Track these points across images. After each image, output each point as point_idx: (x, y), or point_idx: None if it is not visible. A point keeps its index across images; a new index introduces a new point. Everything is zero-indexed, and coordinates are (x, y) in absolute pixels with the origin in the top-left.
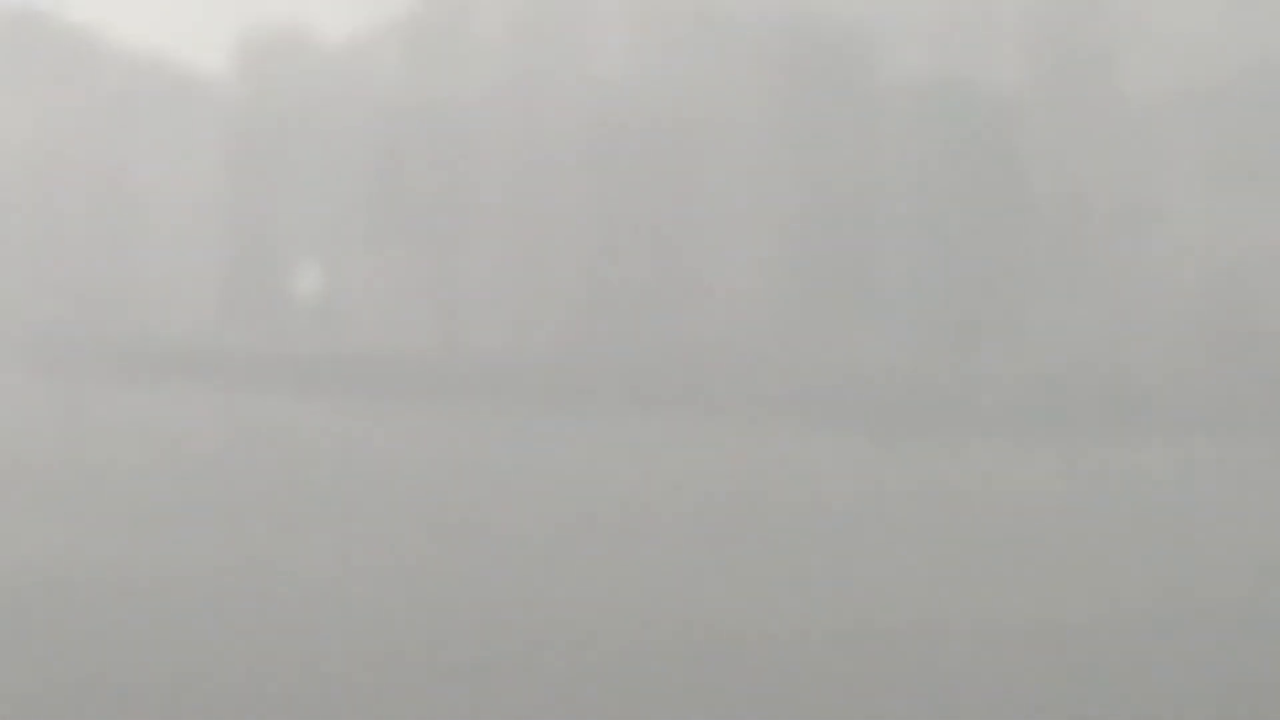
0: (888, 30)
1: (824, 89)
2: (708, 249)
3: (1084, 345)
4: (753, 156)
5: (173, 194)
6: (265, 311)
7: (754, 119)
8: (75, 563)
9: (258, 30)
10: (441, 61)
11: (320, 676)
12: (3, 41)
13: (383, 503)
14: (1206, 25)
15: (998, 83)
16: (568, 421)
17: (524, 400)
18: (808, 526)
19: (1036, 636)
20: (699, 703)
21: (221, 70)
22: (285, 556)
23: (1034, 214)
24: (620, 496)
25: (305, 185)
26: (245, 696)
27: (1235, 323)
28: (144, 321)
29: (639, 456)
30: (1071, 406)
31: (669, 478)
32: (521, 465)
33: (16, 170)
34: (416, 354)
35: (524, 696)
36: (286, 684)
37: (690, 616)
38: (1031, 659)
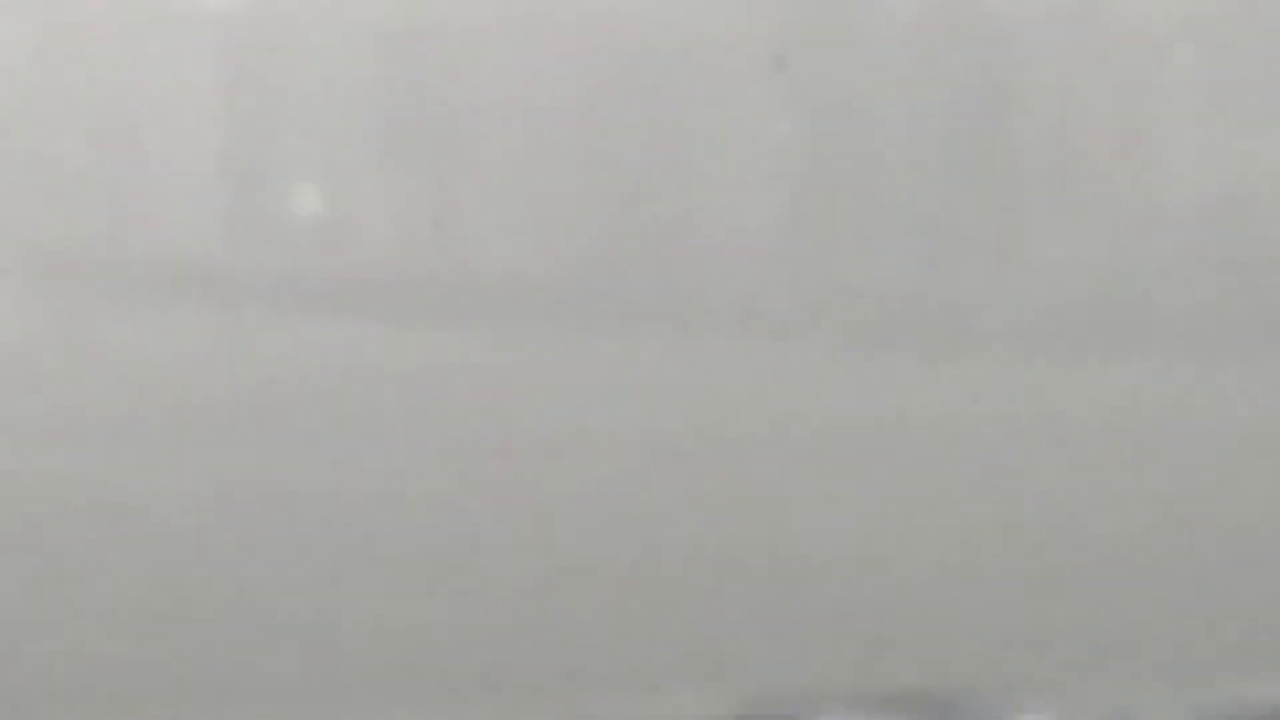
0: None
1: (822, 10)
2: (707, 173)
3: (1082, 265)
4: (751, 79)
5: (175, 113)
6: (269, 232)
7: (752, 42)
8: (77, 485)
9: None
10: None
11: (326, 598)
12: None
13: (390, 425)
14: None
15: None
16: (571, 342)
17: (528, 321)
18: (805, 448)
19: (1032, 560)
20: (702, 626)
21: None
22: (290, 479)
23: (1032, 135)
24: (623, 418)
25: (309, 103)
26: (248, 617)
27: (1234, 245)
28: (146, 242)
29: (641, 377)
30: (1069, 327)
31: (669, 398)
32: (527, 385)
33: (16, 89)
34: (422, 275)
35: (527, 613)
36: (289, 605)
37: (693, 538)
38: (1029, 586)
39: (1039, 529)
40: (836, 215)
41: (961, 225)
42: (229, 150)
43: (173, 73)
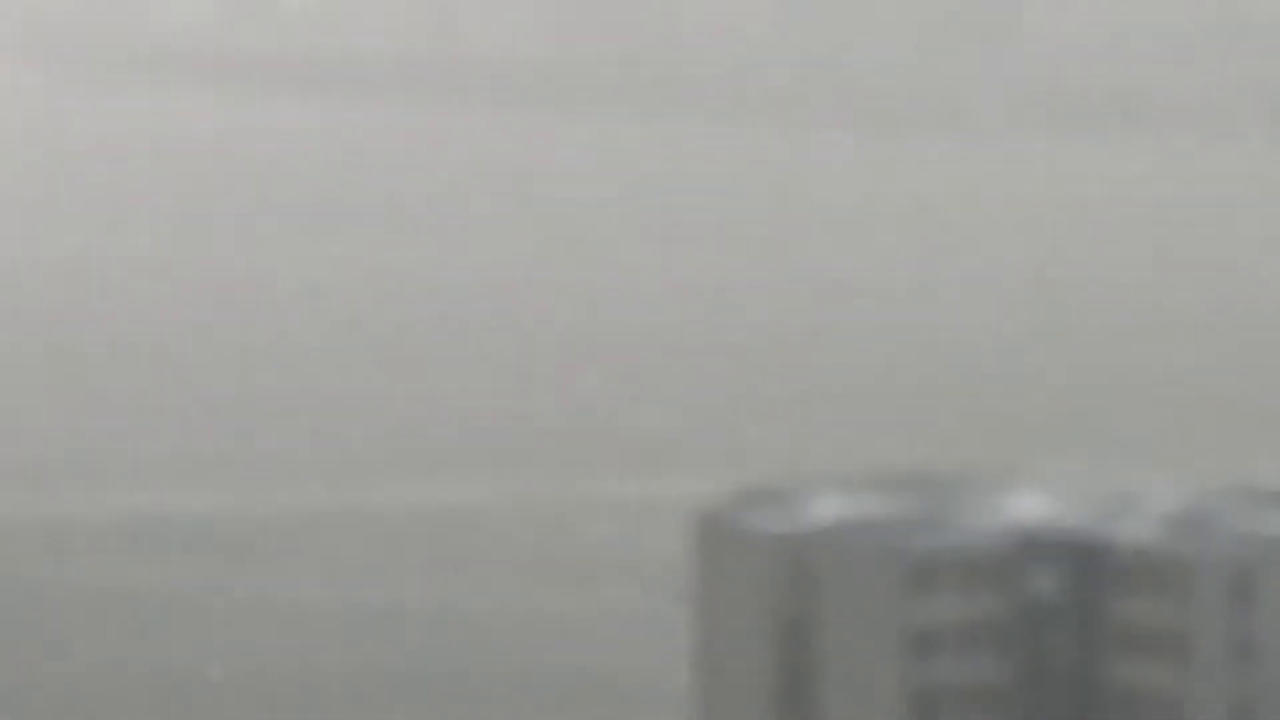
0: None
1: None
2: None
3: (1081, 45)
4: None
5: None
6: (264, 11)
7: None
8: (81, 251)
9: None
10: None
11: (314, 363)
12: None
13: (382, 201)
14: None
15: None
16: (564, 119)
17: (520, 98)
18: (804, 224)
19: (1031, 342)
20: (700, 408)
21: None
22: (281, 256)
23: None
24: (617, 193)
25: None
26: (242, 376)
27: (1227, 22)
28: (144, 20)
29: (635, 154)
30: (1067, 106)
31: (665, 175)
32: (519, 162)
33: None
34: (415, 53)
35: (512, 365)
36: (279, 369)
37: (684, 322)
38: (1025, 368)
39: (1042, 311)
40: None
41: (960, 5)
42: None
43: None
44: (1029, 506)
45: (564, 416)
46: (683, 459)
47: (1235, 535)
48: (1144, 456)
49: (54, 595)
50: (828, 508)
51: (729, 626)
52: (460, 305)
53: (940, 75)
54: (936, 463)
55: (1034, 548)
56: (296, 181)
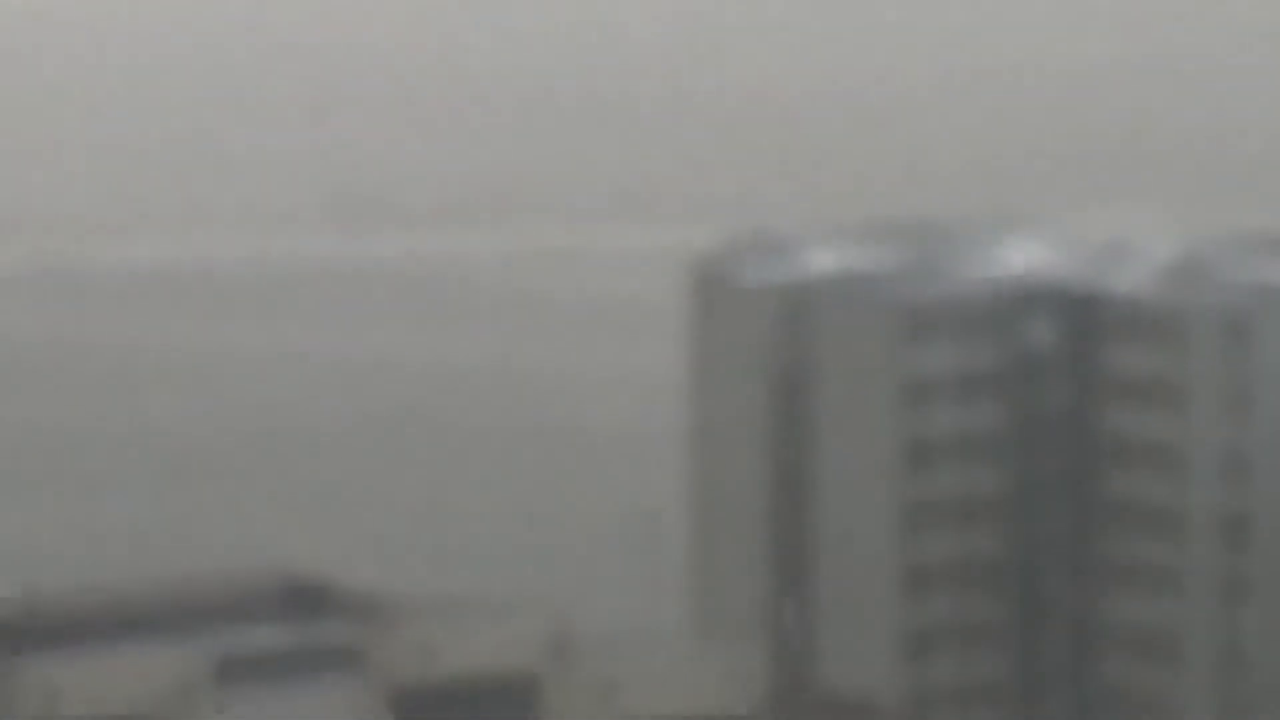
0: None
1: None
2: None
3: None
4: None
5: None
6: None
7: None
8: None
9: None
10: None
11: (313, 116)
12: None
13: None
14: None
15: None
16: None
17: None
18: None
19: (1024, 88)
20: (691, 162)
21: None
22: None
23: None
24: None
25: None
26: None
27: None
28: None
29: None
30: None
31: None
32: None
33: None
34: None
35: (508, 117)
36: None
37: (680, 65)
38: (1020, 114)
39: (1034, 53)
40: None
41: None
42: None
43: None
44: (1024, 257)
45: (561, 168)
46: (679, 208)
47: (1230, 284)
48: (1141, 204)
49: (56, 347)
50: (824, 258)
51: (726, 377)
52: (457, 59)
53: None
54: (932, 213)
55: (1029, 298)
56: None
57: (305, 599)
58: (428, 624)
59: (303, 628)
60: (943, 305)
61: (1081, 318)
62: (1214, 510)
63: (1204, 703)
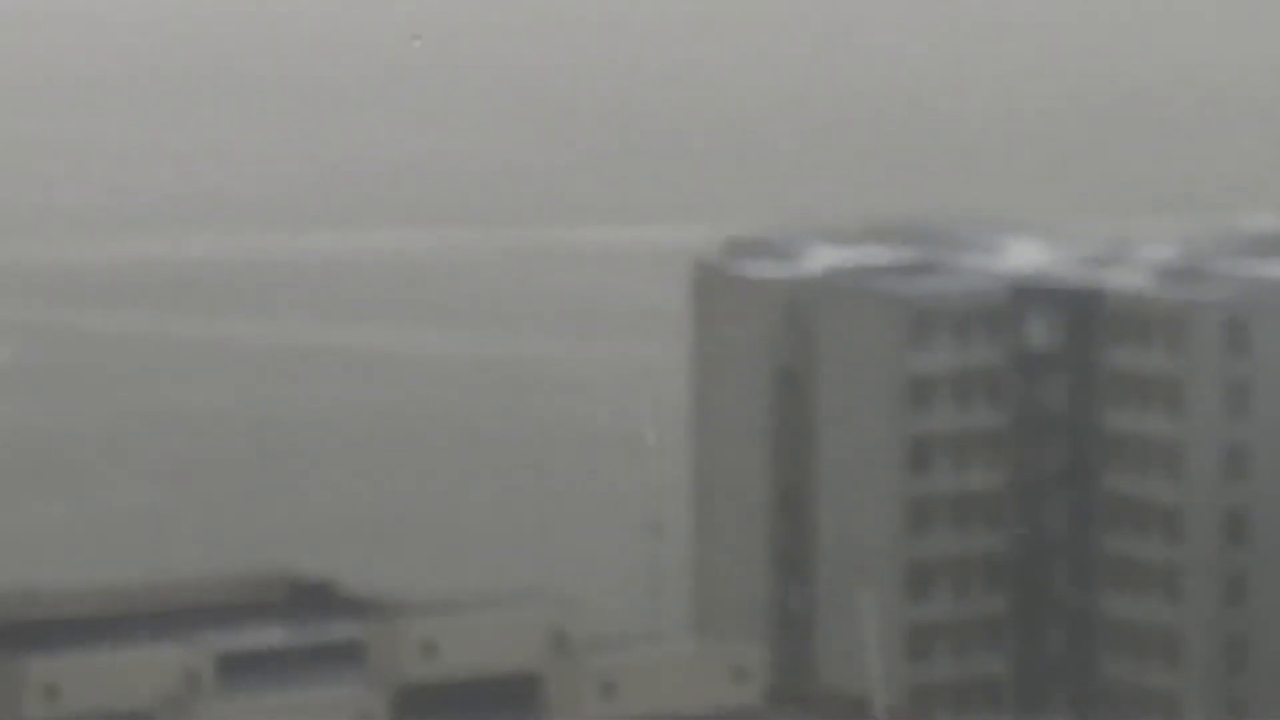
0: None
1: None
2: None
3: None
4: None
5: None
6: None
7: None
8: None
9: None
10: None
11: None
12: None
13: None
14: None
15: None
16: None
17: None
18: None
19: (1028, 90)
20: (693, 160)
21: None
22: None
23: None
24: None
25: None
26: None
27: None
28: None
29: None
30: None
31: None
32: None
33: None
34: None
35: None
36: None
37: (680, 60)
38: (1021, 118)
39: (1036, 58)
40: None
41: None
42: None
43: None
44: (1025, 256)
45: (560, 165)
46: (680, 208)
47: (1228, 281)
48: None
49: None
50: (825, 257)
51: (727, 374)
52: (456, 56)
53: None
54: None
55: (1029, 297)
56: None
57: (307, 597)
58: (429, 621)
59: (304, 625)
60: (943, 304)
61: (1081, 317)
62: (1213, 508)
63: (1203, 699)
